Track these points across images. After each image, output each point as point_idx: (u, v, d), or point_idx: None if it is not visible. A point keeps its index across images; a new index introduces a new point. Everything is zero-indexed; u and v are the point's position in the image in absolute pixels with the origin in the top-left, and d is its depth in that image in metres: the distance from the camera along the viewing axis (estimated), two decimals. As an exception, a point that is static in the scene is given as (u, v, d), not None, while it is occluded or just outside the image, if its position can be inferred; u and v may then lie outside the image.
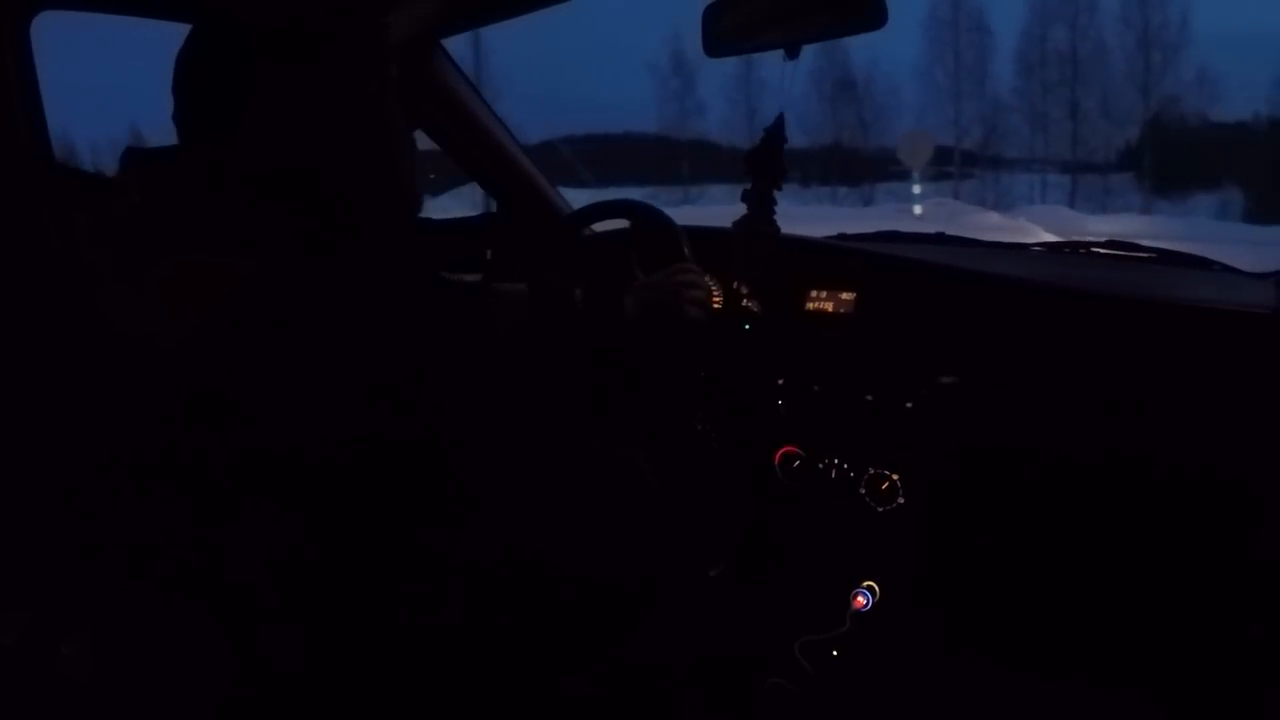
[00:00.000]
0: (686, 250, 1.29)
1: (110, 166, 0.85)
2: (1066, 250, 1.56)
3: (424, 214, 0.96)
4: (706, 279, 1.21)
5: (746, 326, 1.43)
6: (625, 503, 0.88)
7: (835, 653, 1.29)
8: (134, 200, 0.77)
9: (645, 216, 1.40)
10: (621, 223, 1.46)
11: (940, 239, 1.62)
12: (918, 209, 14.04)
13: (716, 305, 1.45)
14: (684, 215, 1.60)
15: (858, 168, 24.72)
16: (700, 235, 1.51)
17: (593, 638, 1.04)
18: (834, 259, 1.40)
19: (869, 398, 1.31)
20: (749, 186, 1.49)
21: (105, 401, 0.78)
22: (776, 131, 1.54)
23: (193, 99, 0.78)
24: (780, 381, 1.38)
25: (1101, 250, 1.50)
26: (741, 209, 1.30)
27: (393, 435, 0.69)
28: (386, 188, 0.85)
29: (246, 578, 0.72)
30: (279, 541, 0.70)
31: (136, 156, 0.79)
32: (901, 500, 1.28)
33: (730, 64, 22.46)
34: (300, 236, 0.74)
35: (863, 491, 1.31)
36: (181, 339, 0.70)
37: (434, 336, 0.72)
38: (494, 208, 1.72)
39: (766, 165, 1.50)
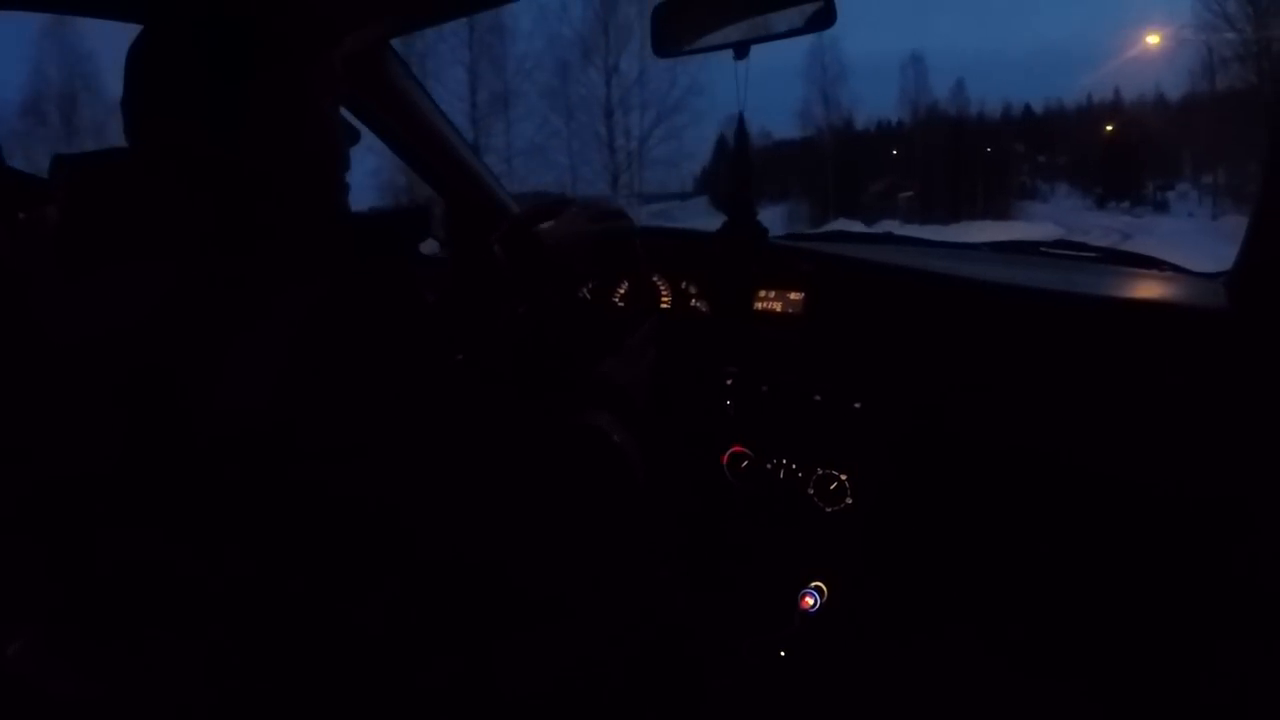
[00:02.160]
0: (638, 248, 1.29)
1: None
2: (1015, 250, 1.56)
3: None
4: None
5: (695, 326, 1.43)
6: (605, 484, 0.85)
7: (783, 653, 1.29)
8: (62, 207, 0.76)
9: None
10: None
11: (890, 239, 1.62)
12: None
13: (665, 305, 1.46)
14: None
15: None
16: (664, 236, 1.52)
17: (540, 635, 1.04)
18: (783, 259, 1.39)
19: (817, 398, 1.31)
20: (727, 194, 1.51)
21: (40, 406, 0.77)
22: (740, 134, 1.55)
23: (145, 96, 0.78)
24: (729, 382, 1.38)
25: (1050, 250, 1.51)
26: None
27: (330, 434, 0.69)
28: (320, 196, 0.86)
29: (182, 578, 0.72)
30: (215, 544, 0.70)
31: (64, 163, 0.78)
32: (849, 501, 1.29)
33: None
34: (228, 242, 0.73)
35: (811, 492, 1.31)
36: (110, 345, 0.70)
37: (364, 332, 0.72)
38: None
39: (739, 169, 1.51)
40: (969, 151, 23.37)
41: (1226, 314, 1.15)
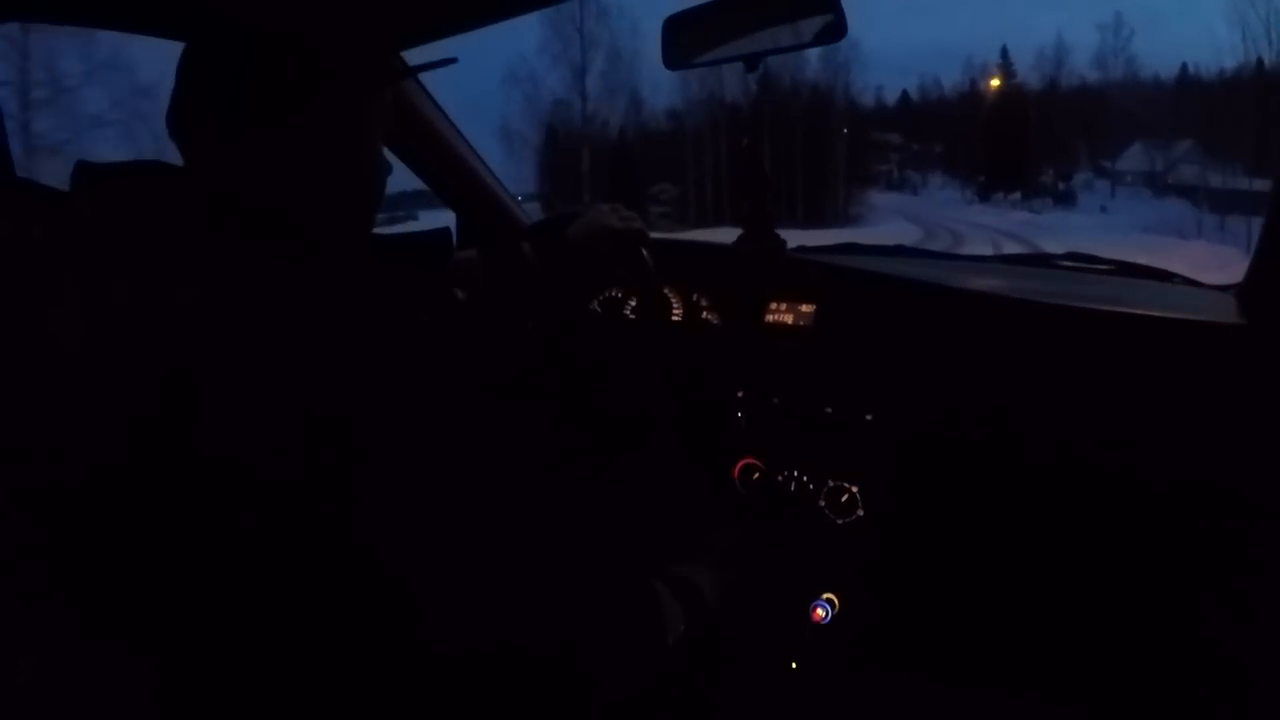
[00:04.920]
0: (648, 258, 1.29)
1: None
2: (1027, 263, 1.56)
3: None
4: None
5: (706, 339, 1.43)
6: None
7: (794, 665, 1.29)
8: (84, 216, 0.76)
9: None
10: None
11: (900, 251, 1.62)
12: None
13: (677, 318, 1.46)
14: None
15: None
16: (678, 248, 1.52)
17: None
18: (794, 271, 1.40)
19: (828, 410, 1.31)
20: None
21: (50, 417, 0.77)
22: (752, 147, 1.56)
23: (194, 109, 0.78)
24: (740, 394, 1.38)
25: (1062, 263, 1.51)
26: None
27: (340, 466, 0.68)
28: (350, 216, 0.85)
29: (185, 595, 0.72)
30: (218, 562, 0.70)
31: (88, 171, 0.77)
32: (861, 513, 1.28)
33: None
34: (255, 259, 0.73)
35: (822, 504, 1.31)
36: (127, 358, 0.69)
37: (391, 368, 0.71)
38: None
39: (753, 182, 1.52)
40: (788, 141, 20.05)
41: (1238, 327, 1.15)
